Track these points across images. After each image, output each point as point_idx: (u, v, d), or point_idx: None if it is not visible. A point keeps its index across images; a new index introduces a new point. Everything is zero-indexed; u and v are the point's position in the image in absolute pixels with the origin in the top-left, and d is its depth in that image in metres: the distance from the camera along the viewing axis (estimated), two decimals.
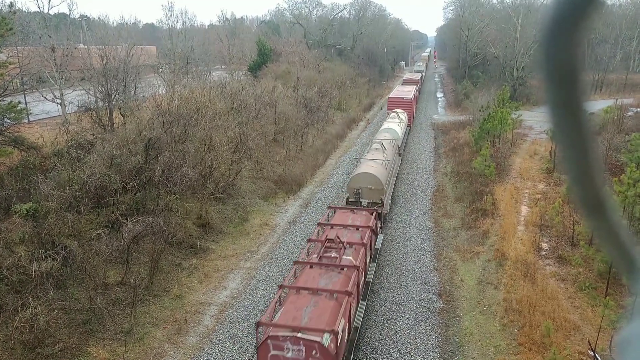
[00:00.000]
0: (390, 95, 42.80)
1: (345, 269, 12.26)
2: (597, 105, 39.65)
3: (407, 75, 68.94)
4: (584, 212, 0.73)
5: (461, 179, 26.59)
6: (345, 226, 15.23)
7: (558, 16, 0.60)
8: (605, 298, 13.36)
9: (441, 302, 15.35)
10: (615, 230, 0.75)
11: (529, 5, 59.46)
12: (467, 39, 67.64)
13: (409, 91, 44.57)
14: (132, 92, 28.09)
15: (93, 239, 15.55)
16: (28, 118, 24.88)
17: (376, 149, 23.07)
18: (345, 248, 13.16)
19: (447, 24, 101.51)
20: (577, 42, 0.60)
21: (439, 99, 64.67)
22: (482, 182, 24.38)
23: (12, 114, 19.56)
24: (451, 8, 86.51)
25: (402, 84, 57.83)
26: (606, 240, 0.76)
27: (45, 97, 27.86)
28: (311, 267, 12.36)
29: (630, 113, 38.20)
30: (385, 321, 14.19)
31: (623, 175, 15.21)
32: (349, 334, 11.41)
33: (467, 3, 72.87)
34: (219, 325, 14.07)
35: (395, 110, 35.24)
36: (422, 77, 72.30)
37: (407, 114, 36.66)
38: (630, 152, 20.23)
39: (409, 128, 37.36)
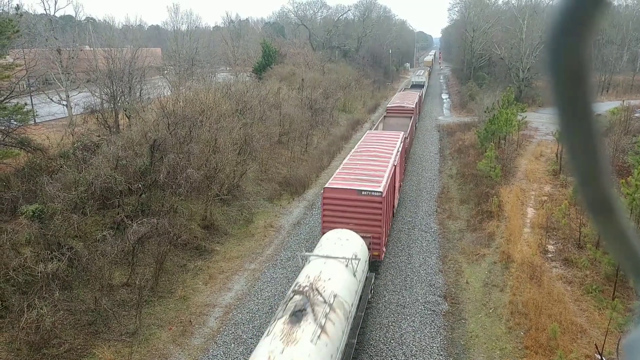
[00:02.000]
0: (329, 186, 16.13)
1: None
2: (604, 106, 39.43)
3: (397, 97, 40.63)
4: (590, 214, 0.72)
5: (466, 180, 26.50)
6: None
7: (564, 17, 0.59)
8: (612, 301, 13.25)
9: (446, 304, 15.29)
10: (622, 232, 0.74)
11: (535, 6, 59.28)
12: (472, 40, 67.54)
13: (386, 155, 19.87)
14: (138, 93, 28.24)
15: (98, 240, 15.62)
16: (34, 120, 25.07)
17: None
18: None
19: (452, 25, 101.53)
20: (583, 43, 0.60)
21: (444, 100, 64.56)
22: (487, 184, 24.28)
23: (19, 116, 19.72)
24: (456, 9, 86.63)
25: (385, 118, 34.07)
26: (613, 243, 0.75)
27: (51, 99, 28.07)
28: None
29: (637, 114, 37.97)
30: (390, 323, 14.14)
31: (630, 177, 15.10)
32: None
33: (472, 4, 72.77)
34: (224, 327, 14.08)
35: (333, 233, 13.77)
36: (422, 94, 46.42)
37: (372, 234, 15.25)
38: (637, 154, 20.08)
39: (372, 280, 14.61)
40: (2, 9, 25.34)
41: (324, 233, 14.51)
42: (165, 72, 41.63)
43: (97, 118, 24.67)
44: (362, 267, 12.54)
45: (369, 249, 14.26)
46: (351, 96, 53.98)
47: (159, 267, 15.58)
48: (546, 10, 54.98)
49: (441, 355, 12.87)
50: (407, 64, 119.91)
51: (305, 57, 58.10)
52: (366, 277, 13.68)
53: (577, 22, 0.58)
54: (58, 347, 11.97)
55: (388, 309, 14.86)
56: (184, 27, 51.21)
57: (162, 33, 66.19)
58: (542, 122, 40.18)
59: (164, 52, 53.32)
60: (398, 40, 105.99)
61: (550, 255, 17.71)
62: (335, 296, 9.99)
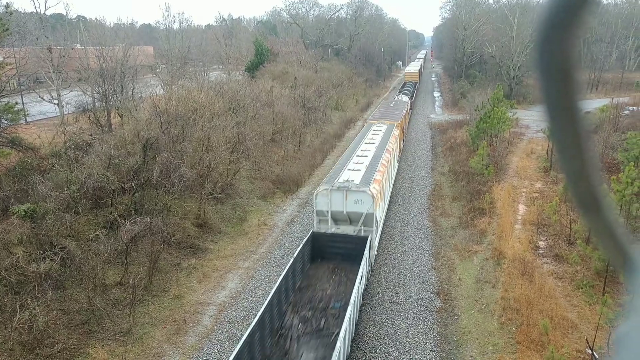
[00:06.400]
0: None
1: None
2: (593, 104, 39.80)
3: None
4: (580, 210, 0.74)
5: (459, 178, 26.64)
6: None
7: (553, 15, 0.60)
8: (602, 296, 13.42)
9: (439, 301, 15.40)
10: (611, 228, 0.75)
11: (525, 4, 59.59)
12: (463, 38, 67.75)
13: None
14: (130, 92, 28.05)
15: (91, 239, 15.54)
16: (25, 119, 24.84)
17: None
18: None
19: (443, 23, 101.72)
20: (572, 41, 0.61)
21: (436, 98, 64.76)
22: (479, 181, 24.43)
23: (10, 115, 19.55)
24: (447, 8, 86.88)
25: None
26: (603, 239, 0.76)
27: (42, 98, 27.79)
28: None
29: (626, 112, 38.36)
30: (383, 320, 14.22)
31: (621, 174, 15.27)
32: None
33: (464, 3, 73.01)
34: (218, 325, 14.08)
35: None
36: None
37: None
38: (626, 151, 20.30)
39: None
40: None
41: None
42: (158, 70, 41.38)
43: (89, 117, 24.49)
44: None
45: None
46: (344, 94, 53.95)
47: (152, 266, 15.53)
48: (536, 8, 55.28)
49: (434, 351, 12.97)
50: (399, 62, 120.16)
51: (298, 56, 57.95)
52: None
53: (566, 20, 0.60)
54: (51, 347, 11.91)
55: (381, 306, 14.93)
56: (176, 26, 51.00)
57: (154, 32, 65.77)
58: (533, 119, 40.45)
59: (156, 51, 52.99)
60: (390, 38, 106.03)
61: (541, 252, 17.88)
62: None
